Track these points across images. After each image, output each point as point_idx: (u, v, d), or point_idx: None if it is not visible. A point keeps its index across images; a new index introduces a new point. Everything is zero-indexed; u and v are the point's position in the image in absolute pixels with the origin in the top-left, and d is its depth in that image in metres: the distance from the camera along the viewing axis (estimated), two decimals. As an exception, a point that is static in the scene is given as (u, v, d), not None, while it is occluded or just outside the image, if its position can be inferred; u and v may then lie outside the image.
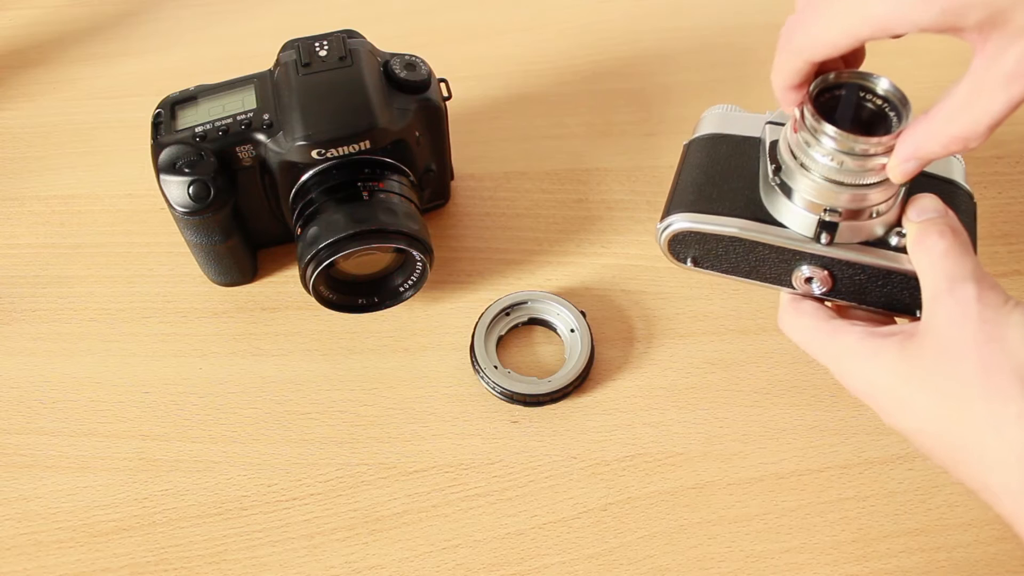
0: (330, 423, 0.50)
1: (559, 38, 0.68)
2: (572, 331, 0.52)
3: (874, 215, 0.39)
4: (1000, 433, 0.34)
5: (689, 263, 0.44)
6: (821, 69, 0.39)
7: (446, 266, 0.55)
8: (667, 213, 0.43)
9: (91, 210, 0.59)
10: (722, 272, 0.44)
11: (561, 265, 0.56)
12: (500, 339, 0.52)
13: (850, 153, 0.37)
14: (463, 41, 0.68)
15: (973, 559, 0.45)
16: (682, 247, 0.43)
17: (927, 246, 0.38)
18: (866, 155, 0.37)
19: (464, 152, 0.59)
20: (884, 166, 0.38)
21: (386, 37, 0.53)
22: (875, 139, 0.37)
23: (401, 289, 0.51)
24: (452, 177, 0.57)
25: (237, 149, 0.48)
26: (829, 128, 0.37)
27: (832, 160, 0.37)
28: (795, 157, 0.39)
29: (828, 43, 0.36)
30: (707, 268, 0.44)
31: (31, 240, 0.57)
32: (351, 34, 0.50)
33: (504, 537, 0.46)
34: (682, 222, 0.42)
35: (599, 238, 0.57)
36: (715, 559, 0.45)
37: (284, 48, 0.50)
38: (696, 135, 0.46)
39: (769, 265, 0.42)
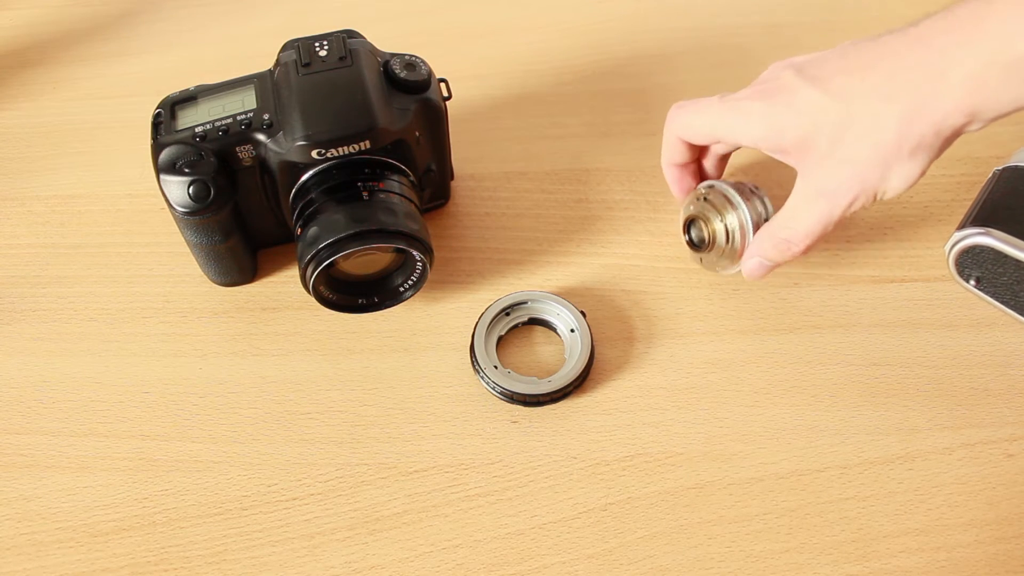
0: (330, 423, 0.50)
1: (559, 38, 0.68)
2: (572, 331, 0.52)
3: None
4: None
5: (972, 282, 0.43)
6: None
7: (446, 266, 0.55)
8: (968, 224, 0.41)
9: (91, 210, 0.59)
10: (1002, 302, 0.42)
11: (561, 265, 0.56)
12: (500, 339, 0.52)
13: None
14: (463, 41, 0.68)
15: (973, 559, 0.45)
16: (972, 264, 0.42)
17: None
18: None
19: (464, 152, 0.59)
20: None
21: (386, 37, 0.53)
22: None
23: (401, 289, 0.51)
24: (452, 177, 0.57)
25: (237, 149, 0.48)
26: None
27: None
28: None
29: (692, 128, 0.49)
30: (988, 293, 0.42)
31: (31, 240, 0.57)
32: (351, 34, 0.50)
33: (504, 537, 0.46)
34: (984, 237, 0.40)
35: (599, 238, 0.57)
36: (715, 559, 0.45)
37: (284, 48, 0.50)
38: (1011, 164, 0.45)
39: None
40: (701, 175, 0.54)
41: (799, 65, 0.45)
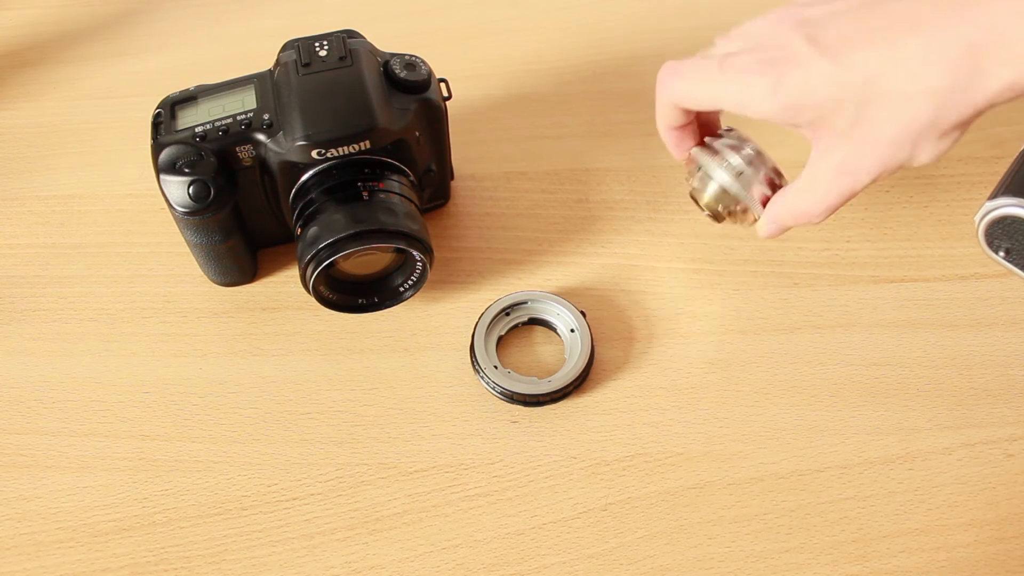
0: (330, 423, 0.50)
1: (559, 38, 0.68)
2: (572, 331, 0.52)
3: None
4: None
5: (1001, 254, 0.42)
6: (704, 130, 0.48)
7: (446, 266, 0.55)
8: (1000, 195, 0.40)
9: (91, 210, 0.59)
10: None
11: (561, 265, 0.56)
12: (500, 339, 0.52)
13: None
14: (463, 41, 0.68)
15: (973, 559, 0.45)
16: (1002, 235, 0.42)
17: None
18: None
19: (464, 152, 0.59)
20: None
21: (386, 37, 0.53)
22: None
23: (401, 289, 0.51)
24: (452, 177, 0.57)
25: (237, 149, 0.48)
26: None
27: None
28: None
29: (691, 98, 0.44)
30: (1017, 265, 0.42)
31: (31, 240, 0.57)
32: (351, 34, 0.50)
33: (504, 537, 0.46)
34: (1016, 208, 0.40)
35: (599, 238, 0.57)
36: (715, 559, 0.45)
37: (284, 48, 0.50)
38: None
39: None
40: (702, 130, 0.50)
41: (808, 24, 0.40)
